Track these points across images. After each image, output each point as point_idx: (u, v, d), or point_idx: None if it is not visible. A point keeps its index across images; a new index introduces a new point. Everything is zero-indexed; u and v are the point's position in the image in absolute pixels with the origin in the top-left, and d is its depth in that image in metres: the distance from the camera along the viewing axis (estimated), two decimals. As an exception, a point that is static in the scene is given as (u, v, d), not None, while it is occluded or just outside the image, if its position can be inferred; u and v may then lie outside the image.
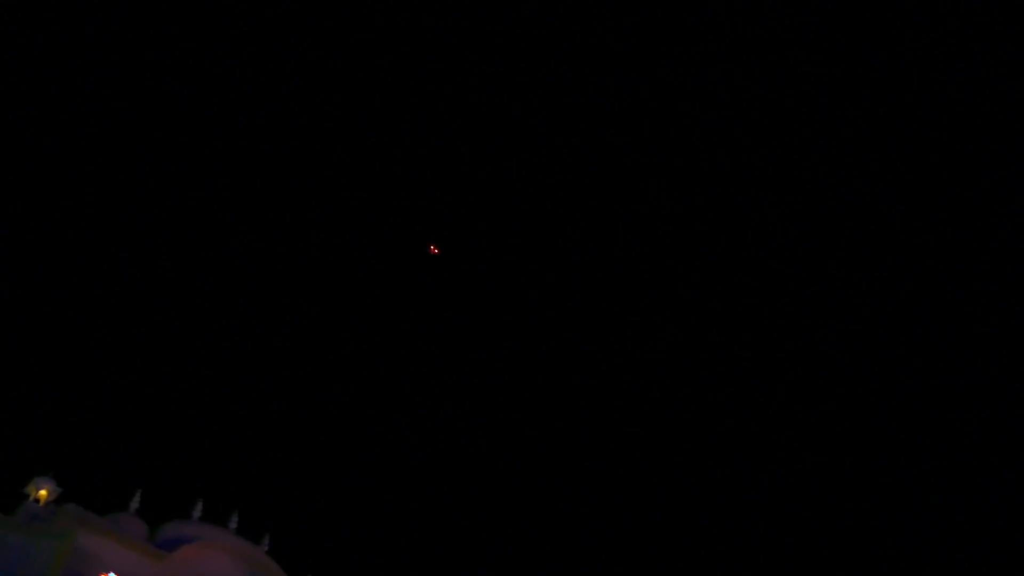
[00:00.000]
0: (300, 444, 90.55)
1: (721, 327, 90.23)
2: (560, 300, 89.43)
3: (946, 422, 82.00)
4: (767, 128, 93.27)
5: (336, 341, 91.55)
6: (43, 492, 30.85)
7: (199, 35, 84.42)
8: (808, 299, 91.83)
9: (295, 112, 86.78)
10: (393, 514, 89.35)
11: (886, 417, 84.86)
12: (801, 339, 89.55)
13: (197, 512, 33.69)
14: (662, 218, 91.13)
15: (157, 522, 32.58)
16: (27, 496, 30.69)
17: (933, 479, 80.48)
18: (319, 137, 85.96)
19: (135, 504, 32.23)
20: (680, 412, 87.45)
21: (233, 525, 34.22)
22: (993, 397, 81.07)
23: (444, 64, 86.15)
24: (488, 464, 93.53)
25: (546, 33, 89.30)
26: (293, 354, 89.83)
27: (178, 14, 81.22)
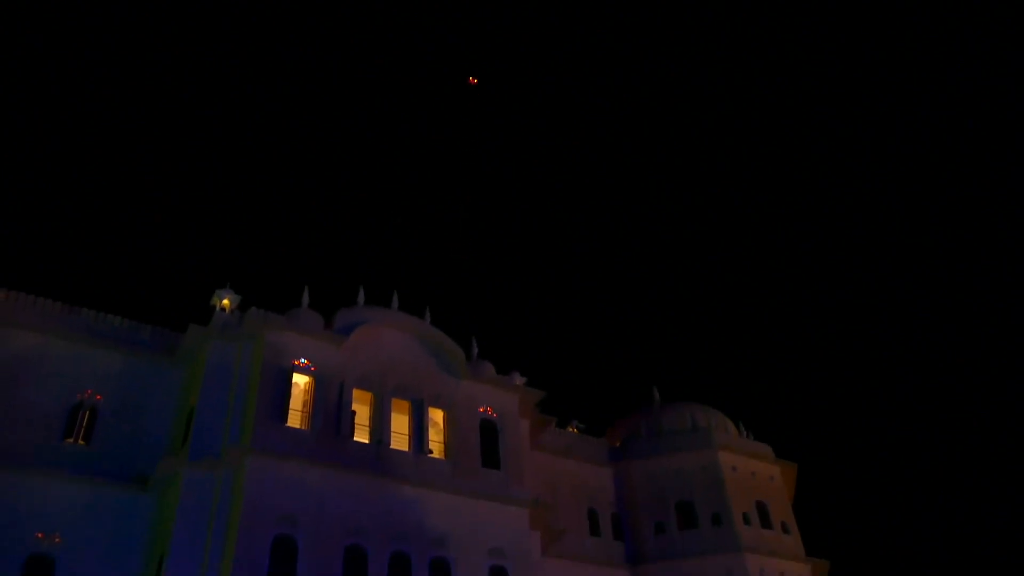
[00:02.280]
0: (435, 216, 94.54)
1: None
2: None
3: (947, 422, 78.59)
4: (767, 128, 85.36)
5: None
6: (226, 302, 33.70)
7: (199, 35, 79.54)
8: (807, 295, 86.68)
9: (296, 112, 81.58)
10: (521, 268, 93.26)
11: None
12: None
13: (361, 299, 36.00)
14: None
15: (329, 312, 34.98)
16: (214, 307, 33.57)
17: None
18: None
19: (306, 300, 34.47)
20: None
21: (395, 305, 36.55)
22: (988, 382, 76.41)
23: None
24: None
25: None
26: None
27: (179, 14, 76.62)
